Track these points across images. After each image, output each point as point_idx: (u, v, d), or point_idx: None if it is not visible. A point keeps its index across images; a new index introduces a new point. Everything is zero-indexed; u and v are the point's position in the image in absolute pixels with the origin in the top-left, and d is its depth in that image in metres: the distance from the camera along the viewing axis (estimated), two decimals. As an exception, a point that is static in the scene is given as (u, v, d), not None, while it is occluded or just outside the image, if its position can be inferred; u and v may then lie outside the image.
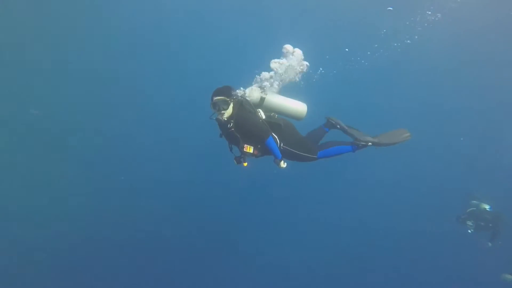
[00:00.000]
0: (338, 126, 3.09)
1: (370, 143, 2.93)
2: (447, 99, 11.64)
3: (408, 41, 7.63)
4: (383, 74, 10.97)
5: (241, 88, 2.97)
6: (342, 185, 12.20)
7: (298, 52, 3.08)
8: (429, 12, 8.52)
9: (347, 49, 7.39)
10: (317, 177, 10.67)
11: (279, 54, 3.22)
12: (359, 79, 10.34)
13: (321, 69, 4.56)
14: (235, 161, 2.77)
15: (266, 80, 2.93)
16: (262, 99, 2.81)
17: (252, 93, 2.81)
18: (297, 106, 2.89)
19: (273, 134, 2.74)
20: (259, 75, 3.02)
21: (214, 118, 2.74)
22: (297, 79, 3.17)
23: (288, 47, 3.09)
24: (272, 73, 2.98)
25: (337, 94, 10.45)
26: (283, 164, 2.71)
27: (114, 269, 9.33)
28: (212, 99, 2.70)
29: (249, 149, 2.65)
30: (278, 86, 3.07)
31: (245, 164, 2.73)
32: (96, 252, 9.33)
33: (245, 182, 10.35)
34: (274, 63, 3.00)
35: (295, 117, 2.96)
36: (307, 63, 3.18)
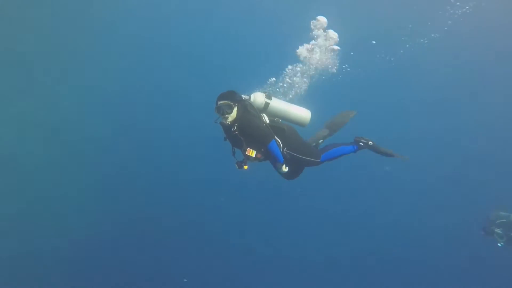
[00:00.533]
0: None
1: (370, 142, 3.00)
2: (475, 97, 11.06)
3: (436, 35, 7.06)
4: (409, 70, 10.49)
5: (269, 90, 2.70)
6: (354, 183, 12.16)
7: (333, 34, 2.71)
8: (458, 3, 7.89)
9: (374, 41, 6.90)
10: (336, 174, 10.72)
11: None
12: (385, 77, 9.95)
13: (346, 65, 4.14)
14: (236, 165, 2.78)
15: (296, 75, 2.61)
16: (267, 104, 2.82)
17: (256, 98, 2.83)
18: (301, 113, 2.90)
19: (276, 138, 2.75)
20: (288, 68, 2.73)
21: (219, 122, 2.78)
22: (332, 70, 2.86)
23: (321, 21, 2.73)
24: (299, 66, 2.66)
25: (365, 94, 10.12)
26: (284, 168, 2.76)
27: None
28: (216, 103, 2.73)
29: (252, 152, 2.69)
30: (309, 80, 2.76)
31: (246, 167, 2.75)
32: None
33: (259, 184, 10.31)
34: (302, 51, 2.66)
35: (299, 123, 2.96)
36: (338, 47, 2.84)
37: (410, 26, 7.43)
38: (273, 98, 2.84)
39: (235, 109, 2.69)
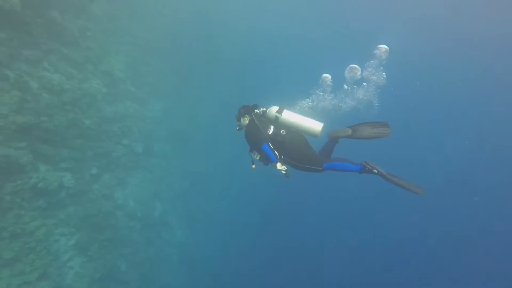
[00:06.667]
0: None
1: (375, 171, 2.96)
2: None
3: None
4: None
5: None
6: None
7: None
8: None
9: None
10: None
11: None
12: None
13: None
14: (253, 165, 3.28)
15: None
16: (277, 117, 3.20)
17: (270, 111, 3.27)
18: (311, 125, 3.12)
19: (270, 145, 3.11)
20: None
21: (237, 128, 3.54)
22: None
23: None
24: None
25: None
26: (280, 166, 3.04)
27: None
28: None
29: (256, 156, 3.22)
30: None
31: (253, 166, 3.24)
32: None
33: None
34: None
35: (310, 134, 3.19)
36: None
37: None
38: (285, 111, 3.22)
39: (247, 120, 3.35)
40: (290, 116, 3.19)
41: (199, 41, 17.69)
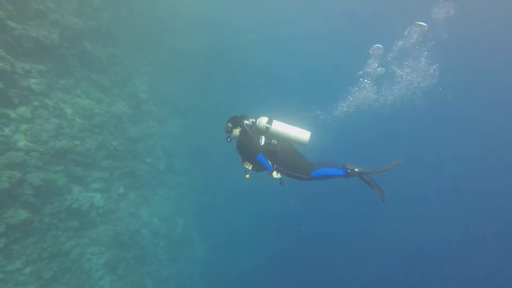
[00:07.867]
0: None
1: (356, 170, 3.00)
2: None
3: None
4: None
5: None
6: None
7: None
8: None
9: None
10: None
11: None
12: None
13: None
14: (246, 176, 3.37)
15: None
16: (267, 127, 3.27)
17: (260, 122, 3.32)
18: (300, 134, 3.23)
19: (265, 154, 3.20)
20: None
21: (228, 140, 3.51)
22: None
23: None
24: None
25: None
26: (276, 175, 3.18)
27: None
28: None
29: (248, 166, 3.30)
30: None
31: (247, 176, 3.33)
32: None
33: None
34: None
35: (299, 143, 3.30)
36: None
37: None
38: (274, 121, 3.28)
39: (238, 131, 3.36)
40: (279, 126, 3.29)
41: (217, 58, 18.25)
